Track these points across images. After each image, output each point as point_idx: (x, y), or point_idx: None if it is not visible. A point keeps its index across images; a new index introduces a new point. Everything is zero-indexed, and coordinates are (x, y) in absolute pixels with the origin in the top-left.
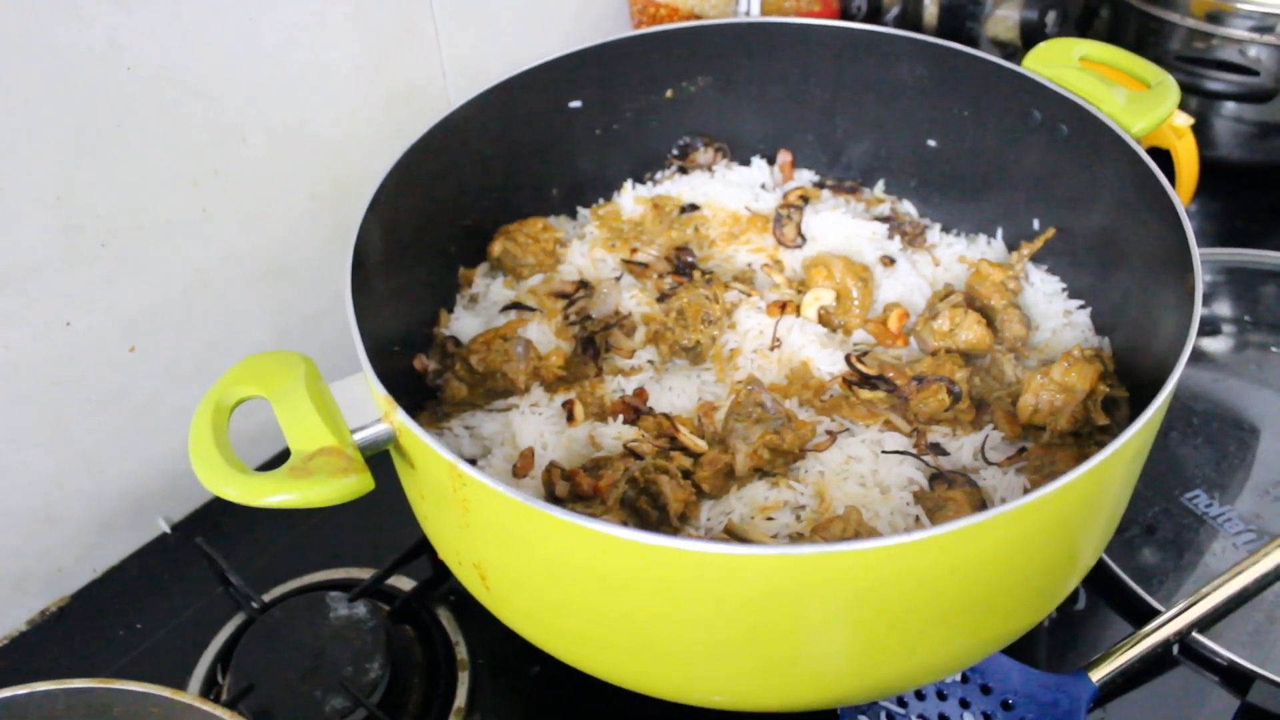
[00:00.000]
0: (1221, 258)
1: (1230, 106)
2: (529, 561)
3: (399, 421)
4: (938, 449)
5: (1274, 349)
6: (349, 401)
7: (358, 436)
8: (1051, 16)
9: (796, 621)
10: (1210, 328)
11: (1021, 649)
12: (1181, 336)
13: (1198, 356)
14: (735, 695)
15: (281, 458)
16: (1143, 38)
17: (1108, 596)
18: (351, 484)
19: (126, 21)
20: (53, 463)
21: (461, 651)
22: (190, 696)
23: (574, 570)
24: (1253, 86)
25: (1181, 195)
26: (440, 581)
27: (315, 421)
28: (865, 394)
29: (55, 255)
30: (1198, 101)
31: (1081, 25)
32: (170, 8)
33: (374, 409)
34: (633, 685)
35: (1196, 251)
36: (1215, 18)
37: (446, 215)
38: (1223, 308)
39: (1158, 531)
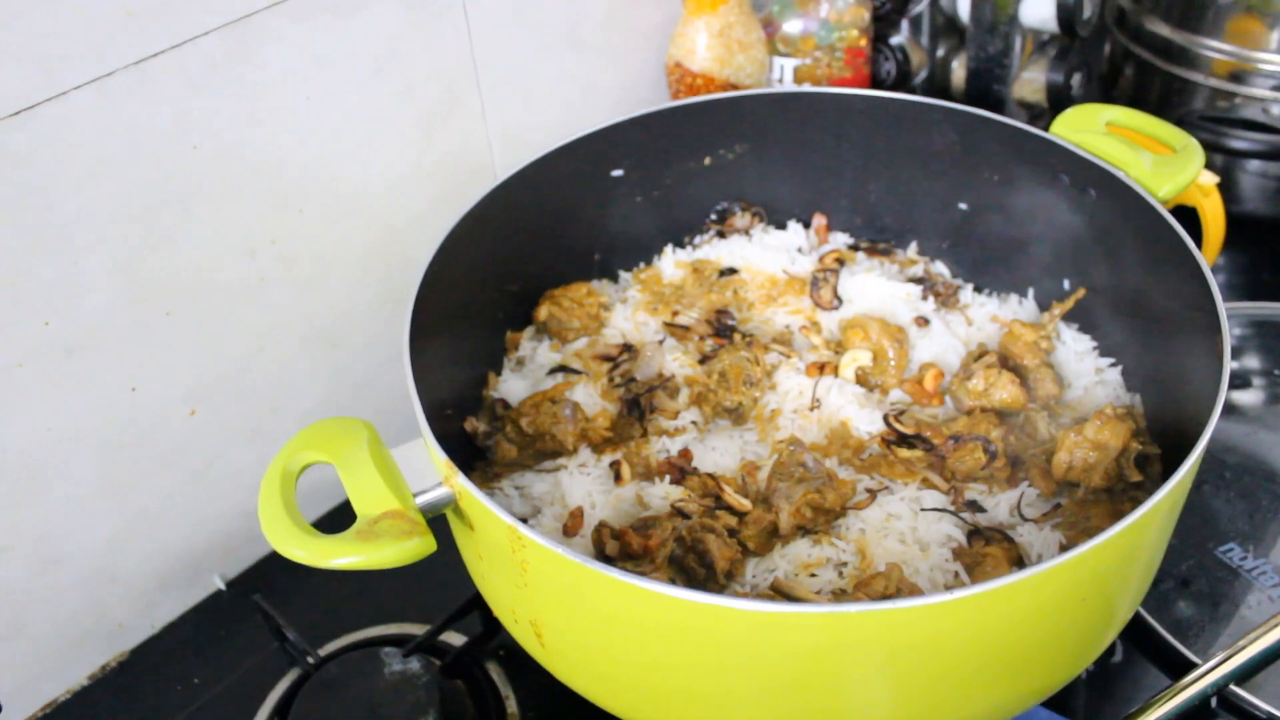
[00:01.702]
0: (1250, 311)
1: (1255, 163)
2: (584, 619)
3: (460, 486)
4: (975, 506)
5: None
6: (409, 466)
7: (420, 500)
8: (1077, 79)
9: (840, 677)
10: (1241, 381)
11: (1061, 702)
12: (1211, 394)
13: (1229, 410)
14: None
15: (333, 515)
16: (1166, 97)
17: (1144, 649)
18: (415, 546)
19: (195, 102)
20: (116, 523)
21: (511, 705)
22: None
23: (627, 626)
24: (1276, 144)
25: (1208, 251)
26: (490, 637)
27: (379, 486)
28: (903, 453)
29: (122, 324)
30: (1223, 159)
31: (1106, 86)
32: (234, 89)
33: (434, 473)
34: None
35: (1224, 312)
36: (1238, 77)
37: (494, 281)
38: (1252, 360)
39: (1192, 585)
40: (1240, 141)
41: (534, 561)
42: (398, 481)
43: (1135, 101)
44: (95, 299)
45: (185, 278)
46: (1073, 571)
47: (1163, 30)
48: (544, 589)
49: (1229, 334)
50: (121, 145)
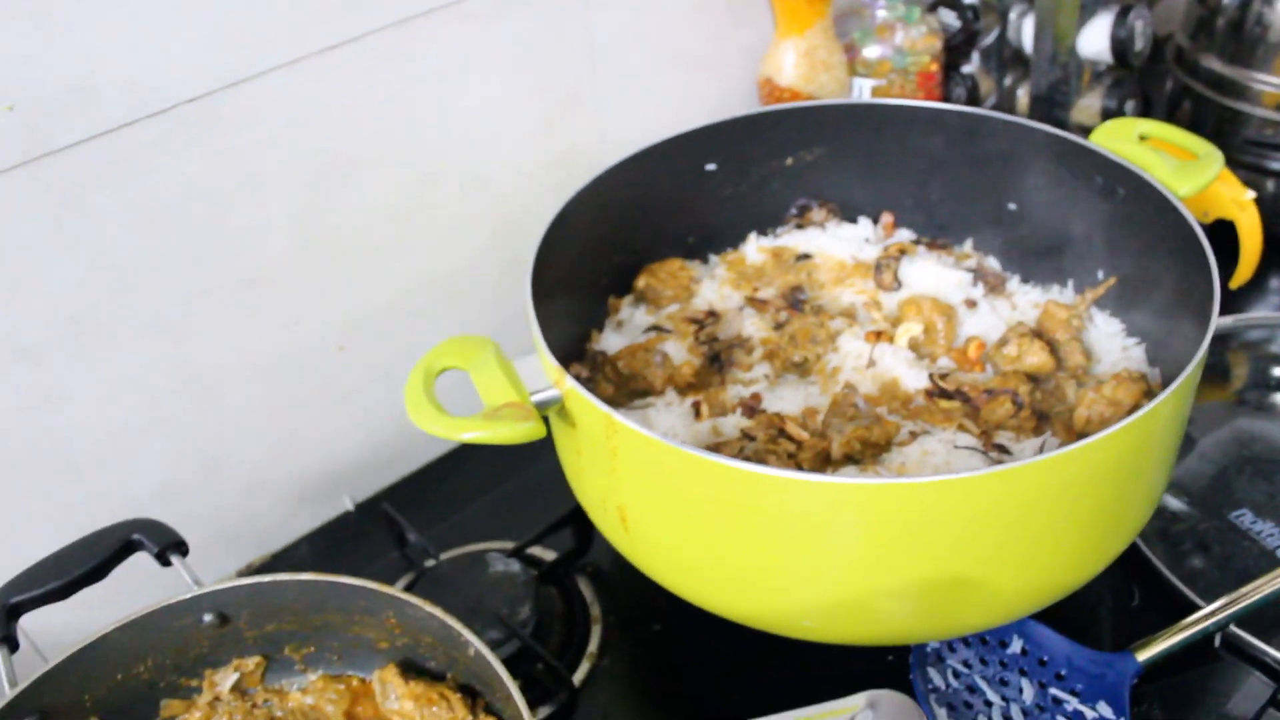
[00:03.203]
0: None
1: None
2: (665, 497)
3: (567, 386)
4: (1002, 449)
5: None
6: (526, 373)
7: (534, 397)
8: (1130, 105)
9: (877, 546)
10: (1276, 383)
11: (1080, 637)
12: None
13: (1267, 408)
14: (823, 623)
15: None
16: (1220, 125)
17: (1159, 597)
18: (530, 428)
19: (364, 87)
20: (267, 440)
21: (595, 610)
22: (397, 590)
23: (704, 502)
24: None
25: (1245, 262)
26: (581, 553)
27: (503, 383)
28: (944, 404)
29: (292, 265)
30: (1274, 183)
31: (1169, 115)
32: (397, 77)
33: (545, 379)
34: (739, 615)
35: (1217, 283)
36: None
37: (600, 253)
38: None
39: (1208, 545)
40: None
41: (624, 446)
42: (517, 382)
43: (1192, 127)
44: (273, 243)
45: (344, 232)
46: (1075, 462)
47: (1216, 66)
48: (631, 472)
49: (1218, 299)
50: (304, 118)
